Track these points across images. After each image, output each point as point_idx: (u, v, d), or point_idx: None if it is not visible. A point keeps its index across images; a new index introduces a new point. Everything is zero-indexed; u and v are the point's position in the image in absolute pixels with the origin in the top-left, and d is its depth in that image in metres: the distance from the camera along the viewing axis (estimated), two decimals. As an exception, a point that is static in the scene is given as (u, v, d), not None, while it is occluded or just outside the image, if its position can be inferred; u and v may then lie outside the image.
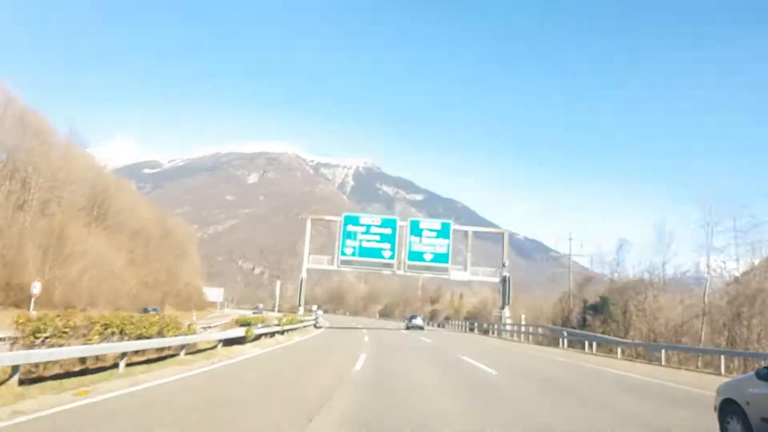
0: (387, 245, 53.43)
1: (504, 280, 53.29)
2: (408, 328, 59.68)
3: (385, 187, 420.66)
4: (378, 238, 53.54)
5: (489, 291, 72.20)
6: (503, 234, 54.42)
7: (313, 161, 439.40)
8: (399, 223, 54.07)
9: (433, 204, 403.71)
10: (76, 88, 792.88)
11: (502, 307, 52.99)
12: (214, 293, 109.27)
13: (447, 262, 53.61)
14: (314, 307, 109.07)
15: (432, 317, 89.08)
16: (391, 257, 53.35)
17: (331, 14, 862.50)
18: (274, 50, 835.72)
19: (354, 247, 53.41)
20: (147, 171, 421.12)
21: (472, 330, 59.67)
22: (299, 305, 52.35)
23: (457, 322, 69.67)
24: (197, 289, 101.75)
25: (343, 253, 53.32)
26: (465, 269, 53.99)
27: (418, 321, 62.81)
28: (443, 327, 73.31)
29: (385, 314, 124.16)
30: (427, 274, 54.00)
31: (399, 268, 53.67)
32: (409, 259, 53.52)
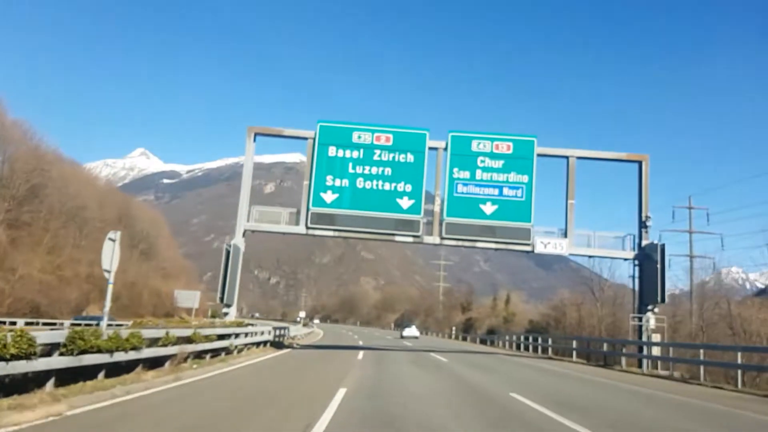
0: (405, 186, 25.10)
1: (648, 254, 24.54)
2: (402, 337, 51.11)
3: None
4: (388, 171, 25.24)
5: (567, 293, 43.11)
6: (641, 162, 25.64)
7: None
8: (430, 143, 25.72)
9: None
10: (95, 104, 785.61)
11: (643, 309, 24.31)
12: (186, 297, 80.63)
13: (527, 219, 25.02)
14: (301, 315, 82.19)
15: (466, 329, 60.07)
16: (414, 209, 25.00)
17: (356, 38, 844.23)
18: (293, 66, 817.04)
19: (339, 190, 25.14)
20: (166, 181, 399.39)
21: (545, 352, 30.94)
22: (221, 299, 23.59)
23: (510, 337, 40.13)
24: (157, 292, 73.76)
25: (317, 202, 25.07)
26: (563, 234, 25.27)
27: (413, 331, 53.71)
28: (491, 343, 44.15)
29: (401, 325, 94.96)
30: (484, 243, 25.30)
31: (429, 232, 25.28)
32: (450, 213, 25.05)
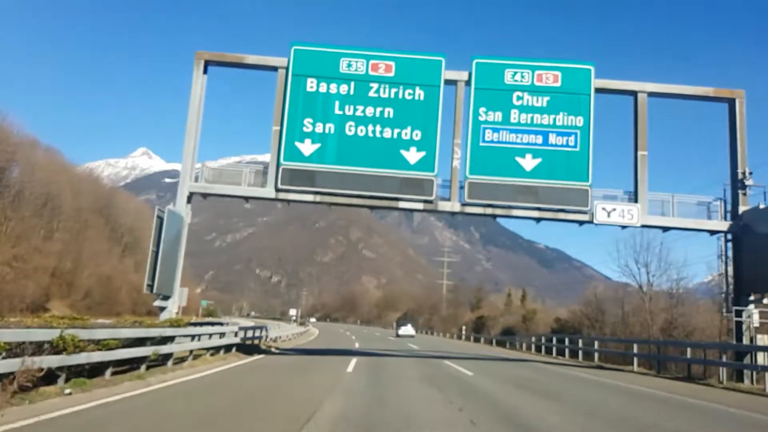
0: (413, 133, 17.72)
1: (749, 224, 17.15)
2: (398, 336, 49.10)
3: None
4: (389, 113, 17.83)
5: (602, 284, 35.64)
6: (733, 101, 18.28)
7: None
8: (447, 74, 18.27)
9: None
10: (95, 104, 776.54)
11: (743, 300, 16.98)
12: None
13: (583, 177, 17.59)
14: (291, 312, 74.96)
15: (477, 329, 52.55)
16: (424, 164, 17.58)
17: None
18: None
19: (322, 139, 17.74)
20: (167, 180, 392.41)
21: (589, 357, 23.50)
22: (149, 287, 16.06)
23: (538, 339, 32.55)
24: (138, 288, 66.18)
25: (291, 155, 17.67)
26: (630, 197, 17.85)
27: (409, 329, 51.52)
28: (510, 345, 36.69)
29: (403, 324, 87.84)
30: (522, 210, 17.96)
31: (446, 196, 17.87)
32: (475, 169, 17.59)
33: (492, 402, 9.78)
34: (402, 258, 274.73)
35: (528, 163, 17.42)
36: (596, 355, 24.10)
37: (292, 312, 67.47)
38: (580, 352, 25.32)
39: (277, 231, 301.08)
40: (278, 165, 17.55)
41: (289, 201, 18.19)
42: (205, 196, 18.18)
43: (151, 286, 15.98)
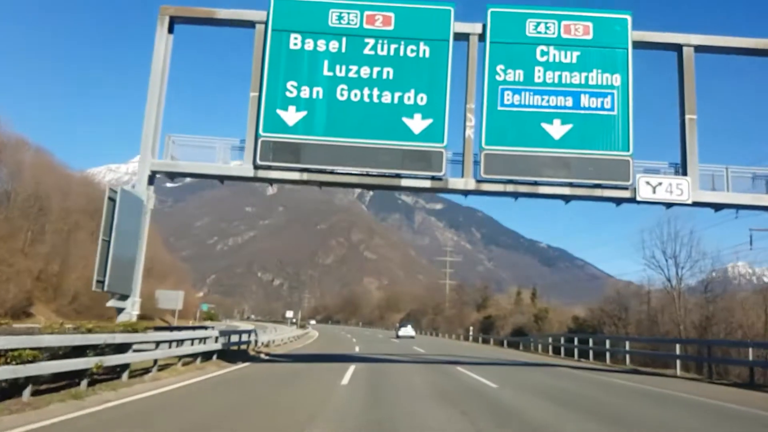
0: (417, 97, 14.67)
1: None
2: (398, 337, 47.23)
3: (404, 197, 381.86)
4: (388, 73, 14.78)
5: (620, 283, 32.50)
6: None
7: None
8: (457, 26, 15.19)
9: (454, 213, 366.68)
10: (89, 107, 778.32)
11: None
12: (168, 298, 70.30)
13: (623, 145, 14.52)
14: (288, 314, 71.71)
15: (485, 329, 49.34)
16: (431, 133, 14.51)
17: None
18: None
19: (309, 105, 14.69)
20: (169, 185, 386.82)
21: (614, 359, 20.35)
22: (98, 282, 12.95)
23: (557, 340, 29.37)
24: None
25: (272, 125, 14.62)
26: (678, 170, 14.83)
27: (409, 330, 50.62)
28: (524, 347, 33.47)
29: (403, 325, 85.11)
30: (551, 186, 15.09)
31: (458, 172, 14.82)
32: (492, 139, 14.53)
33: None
34: (403, 259, 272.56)
35: (556, 129, 14.35)
36: (627, 357, 21.05)
37: (289, 314, 64.28)
38: (607, 354, 22.21)
39: (278, 234, 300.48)
40: (257, 137, 14.47)
41: (270, 181, 15.17)
42: (171, 176, 15.15)
43: (101, 283, 12.92)
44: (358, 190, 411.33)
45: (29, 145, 62.65)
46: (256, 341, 24.92)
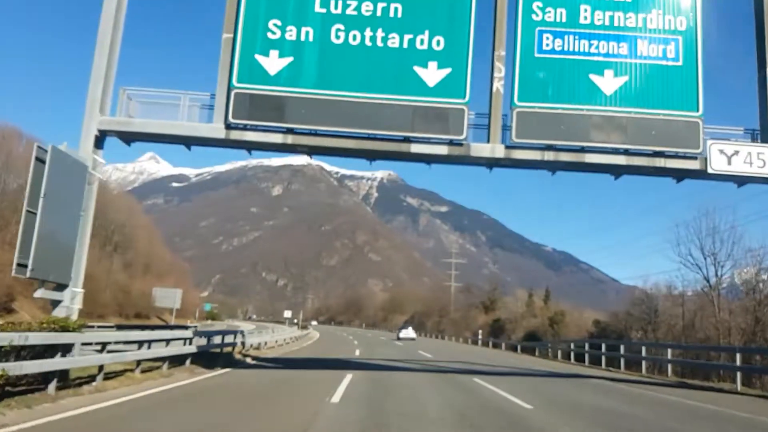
0: (432, 40, 11.58)
1: None
2: (399, 339, 45.86)
3: (409, 199, 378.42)
4: (395, 10, 11.70)
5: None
6: None
7: (337, 173, 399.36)
8: (481, -44, 12.19)
9: (459, 216, 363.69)
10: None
11: None
12: (165, 296, 67.47)
13: (692, 105, 11.40)
14: (286, 314, 68.58)
15: (495, 333, 46.08)
16: (450, 86, 11.41)
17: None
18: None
19: (295, 49, 11.59)
20: (175, 185, 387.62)
21: (638, 368, 17.17)
22: (18, 266, 10.12)
23: (582, 345, 26.07)
24: (124, 289, 60.39)
25: (248, 75, 11.53)
26: (755, 136, 11.72)
27: (410, 332, 49.77)
28: (541, 352, 30.18)
29: (404, 327, 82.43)
30: (601, 154, 12.19)
31: (483, 137, 11.73)
32: (526, 94, 11.38)
33: None
34: (408, 261, 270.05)
35: (608, 83, 11.24)
36: (669, 367, 17.87)
37: (287, 314, 61.20)
38: (644, 363, 19.03)
39: (283, 234, 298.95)
40: (230, 88, 11.40)
41: (247, 146, 12.04)
42: (125, 137, 12.00)
43: (24, 267, 9.88)
44: (363, 191, 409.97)
45: (22, 136, 60.09)
46: (243, 343, 21.87)
